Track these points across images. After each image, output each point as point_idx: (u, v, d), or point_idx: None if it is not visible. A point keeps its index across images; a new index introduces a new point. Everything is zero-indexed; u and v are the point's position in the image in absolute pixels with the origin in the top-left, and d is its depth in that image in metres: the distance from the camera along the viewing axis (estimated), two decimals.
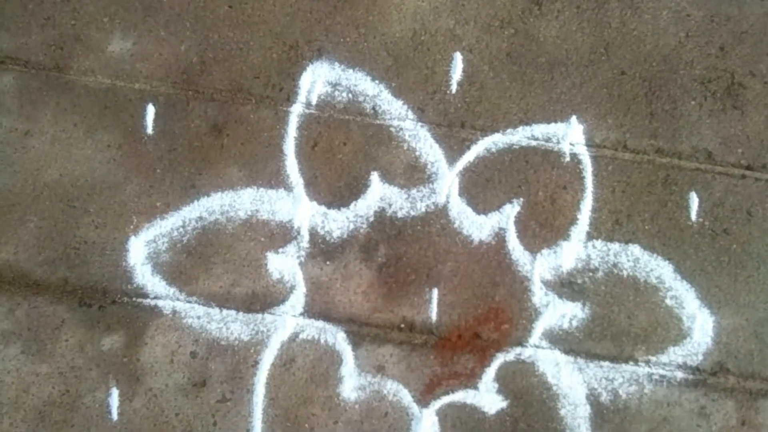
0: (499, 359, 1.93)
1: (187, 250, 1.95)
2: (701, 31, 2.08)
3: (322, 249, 1.96)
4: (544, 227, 1.98)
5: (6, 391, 1.89)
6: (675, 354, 1.94)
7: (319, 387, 1.91)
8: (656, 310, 1.95)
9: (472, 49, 2.05)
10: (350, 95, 2.02)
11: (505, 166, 2.00)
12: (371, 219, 1.98)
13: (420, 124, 2.01)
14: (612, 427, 1.91)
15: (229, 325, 1.93)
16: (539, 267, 1.96)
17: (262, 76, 2.02)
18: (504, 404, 1.91)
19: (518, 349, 1.94)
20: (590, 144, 2.01)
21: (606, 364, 1.94)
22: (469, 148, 2.00)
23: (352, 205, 1.98)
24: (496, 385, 1.92)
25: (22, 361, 1.90)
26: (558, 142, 2.01)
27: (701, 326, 1.95)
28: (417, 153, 2.00)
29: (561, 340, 1.94)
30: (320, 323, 1.94)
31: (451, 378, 1.92)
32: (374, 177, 1.99)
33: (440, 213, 1.98)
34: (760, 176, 2.01)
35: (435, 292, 1.95)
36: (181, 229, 1.95)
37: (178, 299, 1.93)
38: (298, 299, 1.94)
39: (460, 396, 1.92)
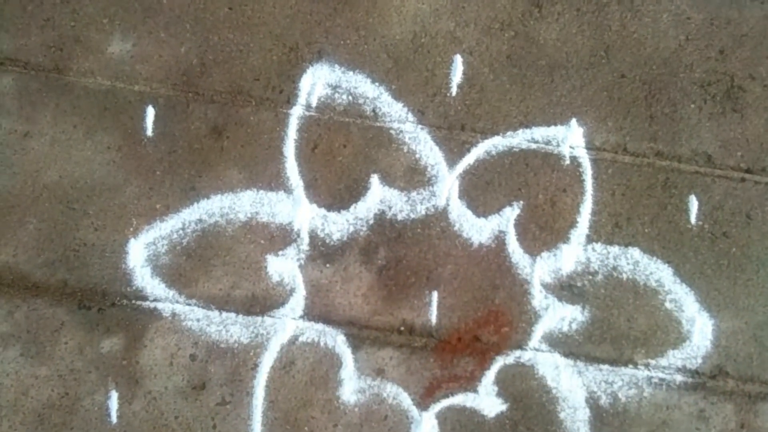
0: (499, 362, 1.93)
1: (186, 253, 1.94)
2: (701, 34, 2.08)
3: (322, 251, 1.96)
4: (543, 230, 1.98)
5: (5, 394, 1.89)
6: (674, 357, 1.94)
7: (318, 390, 1.91)
8: (656, 313, 1.95)
9: (473, 51, 2.05)
10: (350, 97, 2.02)
11: (505, 169, 2.00)
12: (371, 221, 1.97)
13: (420, 126, 2.01)
14: (611, 430, 1.91)
15: (229, 327, 1.93)
16: (539, 270, 1.96)
17: (262, 78, 2.02)
18: (504, 407, 1.91)
19: (518, 352, 1.94)
20: (590, 147, 2.01)
21: (605, 367, 1.94)
22: (469, 150, 2.00)
23: (352, 208, 1.98)
24: (496, 388, 1.92)
25: (21, 364, 1.90)
26: (558, 145, 2.01)
27: (701, 329, 1.95)
28: (417, 155, 2.00)
29: (561, 343, 1.94)
30: (320, 326, 1.94)
31: (450, 381, 1.92)
32: (374, 179, 1.99)
33: (440, 216, 1.98)
34: (759, 179, 2.01)
35: (435, 294, 1.95)
36: (181, 232, 1.95)
37: (177, 302, 1.93)
38: (297, 302, 1.94)
39: (460, 399, 1.92)
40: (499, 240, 1.97)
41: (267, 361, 1.91)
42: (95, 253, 1.94)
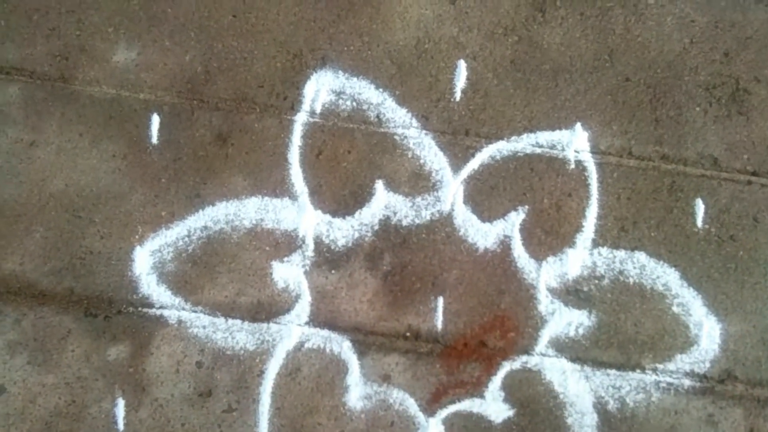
0: (506, 367, 1.92)
1: (192, 260, 1.95)
2: (706, 37, 2.07)
3: (327, 258, 1.96)
4: (549, 235, 1.97)
5: (12, 402, 1.89)
6: (682, 361, 1.93)
7: (324, 396, 1.91)
8: (663, 317, 1.94)
9: (476, 56, 2.05)
10: (354, 103, 2.02)
11: (509, 174, 2.00)
12: (376, 227, 1.97)
13: (424, 131, 2.01)
14: None
15: (235, 334, 1.93)
16: (545, 275, 1.96)
17: (267, 85, 2.02)
18: (510, 413, 1.90)
19: (524, 358, 1.93)
20: (595, 151, 2.01)
21: (613, 372, 1.93)
22: (473, 155, 2.00)
23: (356, 214, 1.98)
24: (503, 394, 1.91)
25: (28, 372, 1.90)
26: (563, 149, 2.01)
27: (708, 333, 1.94)
28: (421, 161, 2.00)
29: (567, 348, 1.94)
30: (326, 332, 1.93)
31: (457, 387, 1.92)
32: (379, 185, 1.99)
33: (445, 221, 1.98)
34: (766, 182, 2.00)
35: (440, 300, 1.95)
36: (186, 239, 1.95)
37: (183, 309, 1.93)
38: (303, 308, 1.94)
39: (467, 405, 1.91)
40: (505, 245, 1.97)
41: (273, 368, 1.91)
42: (101, 260, 1.94)
